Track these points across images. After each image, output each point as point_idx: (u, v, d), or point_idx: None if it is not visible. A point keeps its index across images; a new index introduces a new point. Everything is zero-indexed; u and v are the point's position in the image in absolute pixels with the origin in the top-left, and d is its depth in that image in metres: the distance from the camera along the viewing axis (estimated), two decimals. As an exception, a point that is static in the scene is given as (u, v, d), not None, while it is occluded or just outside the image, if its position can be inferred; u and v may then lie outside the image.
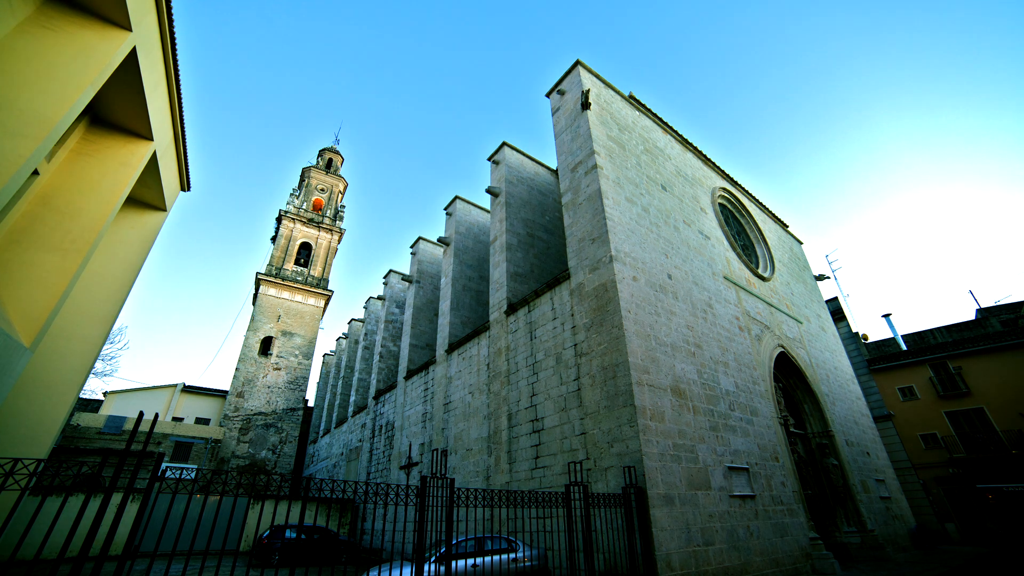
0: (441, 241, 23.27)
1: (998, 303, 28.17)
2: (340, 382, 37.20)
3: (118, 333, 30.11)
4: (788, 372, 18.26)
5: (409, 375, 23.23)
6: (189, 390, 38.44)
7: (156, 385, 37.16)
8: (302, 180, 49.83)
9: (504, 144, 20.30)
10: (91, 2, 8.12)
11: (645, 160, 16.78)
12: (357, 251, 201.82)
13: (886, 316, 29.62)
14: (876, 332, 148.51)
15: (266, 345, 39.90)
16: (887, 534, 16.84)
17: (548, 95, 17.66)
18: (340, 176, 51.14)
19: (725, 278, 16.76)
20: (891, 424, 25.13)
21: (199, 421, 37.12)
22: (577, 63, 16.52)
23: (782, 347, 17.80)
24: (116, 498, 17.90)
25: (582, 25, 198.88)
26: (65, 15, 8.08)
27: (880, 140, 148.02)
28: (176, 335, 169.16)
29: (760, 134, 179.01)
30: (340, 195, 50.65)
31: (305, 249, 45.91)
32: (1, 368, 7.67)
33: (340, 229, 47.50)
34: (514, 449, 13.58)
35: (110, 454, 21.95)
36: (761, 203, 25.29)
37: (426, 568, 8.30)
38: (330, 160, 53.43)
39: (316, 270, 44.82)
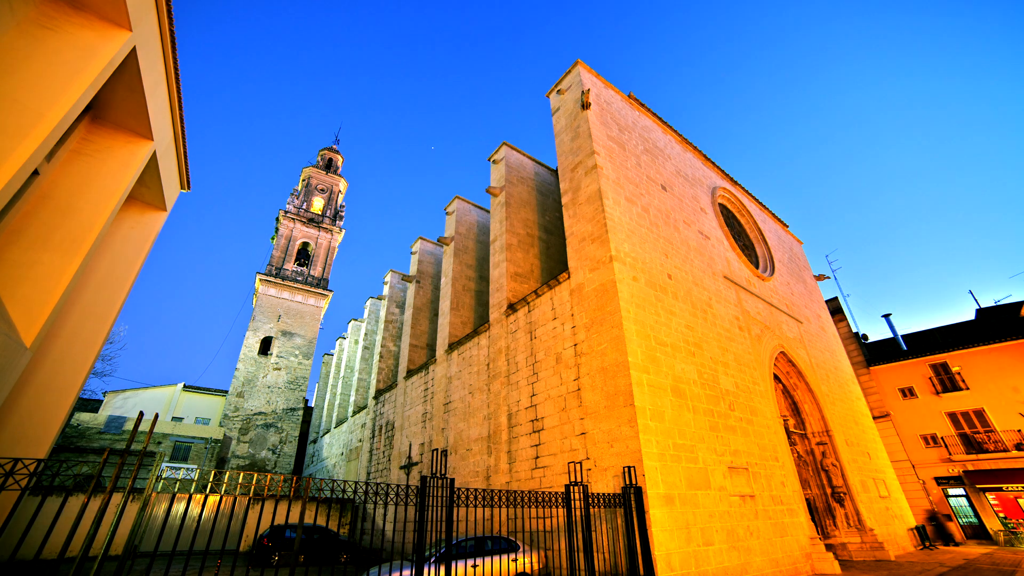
0: (441, 241, 23.27)
1: (998, 303, 28.18)
2: (340, 382, 37.21)
3: (117, 333, 30.12)
4: (788, 372, 18.27)
5: (409, 375, 23.24)
6: (189, 390, 38.46)
7: (156, 385, 37.17)
8: (302, 180, 49.85)
9: (504, 144, 20.30)
10: (91, 2, 8.12)
11: (645, 160, 16.79)
12: (357, 251, 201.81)
13: (886, 316, 29.62)
14: (876, 332, 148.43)
15: (266, 345, 39.90)
16: (887, 534, 16.85)
17: (548, 95, 17.67)
18: (340, 176, 51.16)
19: (725, 278, 16.76)
20: (891, 423, 25.14)
21: (199, 421, 37.13)
22: (577, 63, 16.52)
23: (782, 347, 17.80)
24: (116, 498, 17.90)
25: (582, 25, 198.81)
26: (65, 15, 8.08)
27: (880, 139, 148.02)
28: (176, 335, 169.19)
29: (760, 134, 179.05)
30: (340, 195, 50.68)
31: (305, 249, 45.94)
32: (1, 368, 7.68)
33: (340, 229, 47.52)
34: (514, 449, 13.59)
35: (110, 454, 21.94)
36: (761, 203, 25.31)
37: (426, 568, 8.31)
38: (330, 160, 53.44)
39: (316, 270, 44.83)
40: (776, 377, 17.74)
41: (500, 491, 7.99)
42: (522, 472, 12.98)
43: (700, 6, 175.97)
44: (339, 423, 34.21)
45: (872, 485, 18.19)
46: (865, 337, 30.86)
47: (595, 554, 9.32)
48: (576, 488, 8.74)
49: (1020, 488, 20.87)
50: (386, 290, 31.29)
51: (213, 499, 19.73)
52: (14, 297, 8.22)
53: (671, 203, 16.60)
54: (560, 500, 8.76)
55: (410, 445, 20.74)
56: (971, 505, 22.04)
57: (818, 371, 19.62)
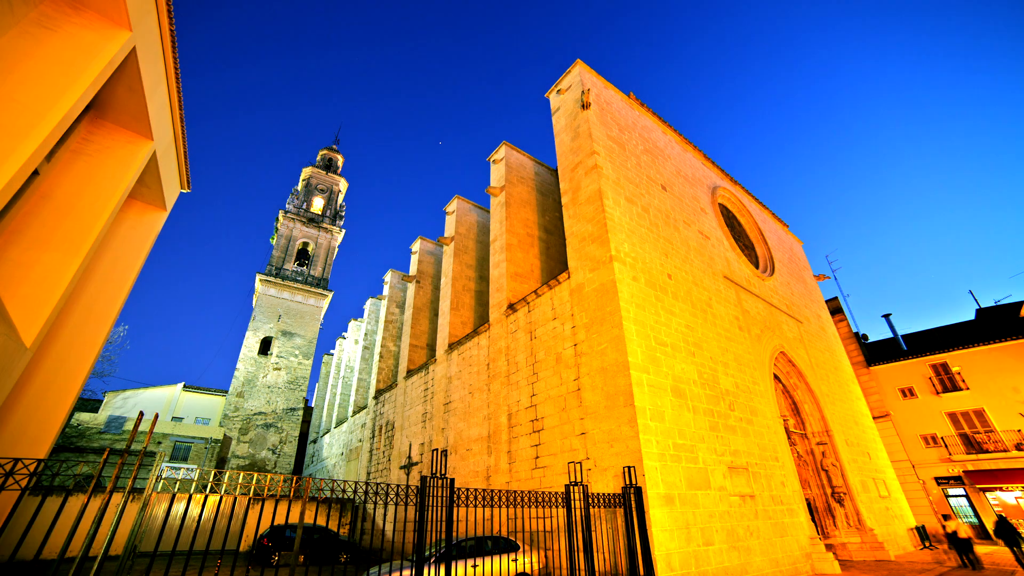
0: (441, 241, 23.28)
1: (998, 303, 28.18)
2: (340, 382, 37.21)
3: (116, 333, 30.09)
4: (788, 372, 18.26)
5: (409, 375, 23.24)
6: (189, 390, 38.44)
7: (156, 385, 37.15)
8: (302, 180, 49.84)
9: (504, 144, 20.30)
10: (91, 2, 8.12)
11: (645, 160, 16.79)
12: (357, 251, 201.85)
13: (886, 316, 29.61)
14: (876, 332, 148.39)
15: (266, 345, 39.89)
16: (887, 534, 16.85)
17: (548, 95, 17.66)
18: (340, 176, 51.15)
19: (725, 278, 16.76)
20: (891, 423, 25.13)
21: (199, 421, 37.11)
22: (577, 63, 16.52)
23: (782, 347, 17.80)
24: (116, 498, 17.89)
25: (582, 25, 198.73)
26: (65, 15, 8.07)
27: (881, 139, 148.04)
28: (176, 335, 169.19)
29: (761, 134, 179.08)
30: (340, 195, 50.66)
31: (305, 249, 45.92)
32: (1, 368, 7.68)
33: (340, 229, 47.51)
34: (514, 449, 13.58)
35: (110, 454, 21.94)
36: (761, 202, 25.31)
37: (426, 568, 8.30)
38: (330, 160, 53.43)
39: (316, 270, 44.82)
40: (776, 377, 17.74)
41: (500, 491, 7.99)
42: (522, 472, 12.98)
43: (701, 6, 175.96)
44: (339, 423, 34.20)
45: (872, 485, 18.19)
46: (865, 337, 30.85)
47: (595, 554, 9.32)
48: (576, 488, 8.74)
49: (1020, 488, 20.86)
50: (386, 290, 31.28)
51: (213, 499, 19.72)
52: (14, 297, 8.21)
53: (671, 203, 16.60)
54: (560, 500, 8.76)
55: (410, 445, 20.74)
56: (971, 505, 22.03)
57: (818, 371, 19.61)
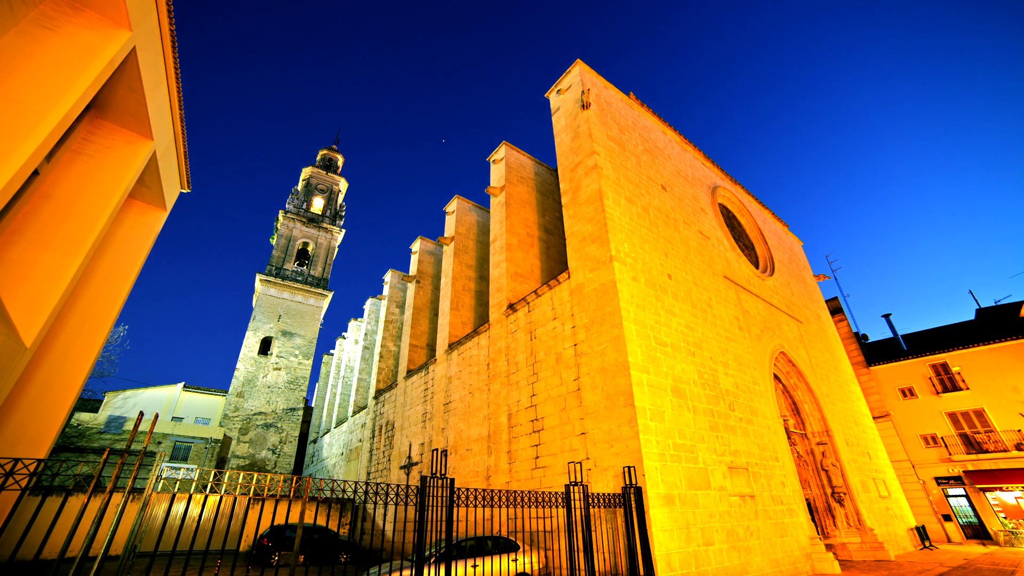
0: (441, 241, 23.28)
1: (998, 303, 28.18)
2: (340, 382, 37.21)
3: (116, 333, 30.07)
4: (788, 372, 18.26)
5: (409, 375, 23.24)
6: (189, 390, 38.42)
7: (156, 385, 37.13)
8: (302, 180, 49.83)
9: (504, 144, 20.29)
10: (91, 2, 8.12)
11: (645, 160, 16.79)
12: (357, 251, 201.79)
13: (886, 316, 29.60)
14: (876, 332, 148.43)
15: (266, 345, 39.88)
16: (887, 534, 16.85)
17: (548, 95, 17.66)
18: (340, 176, 51.13)
19: (725, 277, 16.76)
20: (891, 423, 25.13)
21: (199, 421, 37.09)
22: (577, 63, 16.52)
23: (782, 347, 17.80)
24: (116, 498, 17.90)
25: (582, 25, 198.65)
26: (65, 15, 8.07)
27: (881, 139, 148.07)
28: (176, 335, 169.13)
29: (761, 134, 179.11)
30: (340, 195, 50.65)
31: (305, 249, 45.92)
32: (1, 368, 7.68)
33: (340, 229, 47.50)
34: (514, 449, 13.59)
35: (110, 454, 21.92)
36: (761, 202, 25.32)
37: (426, 568, 8.31)
38: (330, 160, 53.42)
39: (316, 270, 44.81)
40: (776, 377, 17.74)
41: (500, 491, 7.99)
42: (522, 472, 12.98)
43: (701, 6, 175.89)
44: (339, 423, 34.21)
45: (872, 485, 18.19)
46: (865, 337, 30.84)
47: (595, 554, 9.32)
48: (576, 488, 8.74)
49: (1020, 488, 20.86)
50: (386, 290, 31.28)
51: (213, 499, 19.71)
52: (14, 297, 8.21)
53: (671, 203, 16.60)
54: (560, 500, 8.76)
55: (410, 445, 20.74)
56: (971, 505, 22.03)
57: (818, 371, 19.61)
